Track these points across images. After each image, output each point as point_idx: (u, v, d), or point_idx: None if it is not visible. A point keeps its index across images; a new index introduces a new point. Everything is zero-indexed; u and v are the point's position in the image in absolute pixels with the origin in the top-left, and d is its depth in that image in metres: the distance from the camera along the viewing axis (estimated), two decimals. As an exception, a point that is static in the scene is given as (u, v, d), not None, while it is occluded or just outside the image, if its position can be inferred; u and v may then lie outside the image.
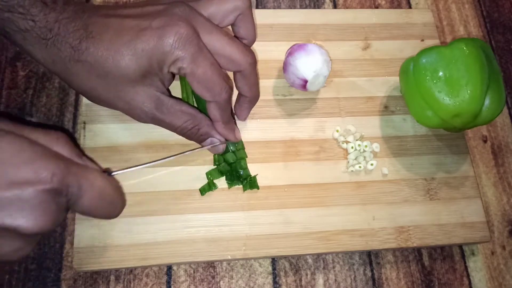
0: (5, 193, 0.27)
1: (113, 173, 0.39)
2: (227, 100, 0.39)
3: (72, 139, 0.33)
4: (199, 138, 0.42)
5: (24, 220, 0.28)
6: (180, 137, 0.44)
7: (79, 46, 0.35)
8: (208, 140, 0.42)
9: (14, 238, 0.29)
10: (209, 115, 0.41)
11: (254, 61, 0.40)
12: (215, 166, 0.44)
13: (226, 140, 0.42)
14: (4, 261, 0.30)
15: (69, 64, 0.36)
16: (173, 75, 0.39)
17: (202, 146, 0.42)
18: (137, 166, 0.40)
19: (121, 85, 0.37)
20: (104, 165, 0.42)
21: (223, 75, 0.38)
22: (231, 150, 0.43)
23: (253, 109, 0.47)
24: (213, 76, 0.37)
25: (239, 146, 0.44)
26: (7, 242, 0.28)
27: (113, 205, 0.35)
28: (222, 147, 0.43)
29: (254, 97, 0.44)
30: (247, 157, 0.44)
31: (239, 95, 0.43)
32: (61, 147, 0.32)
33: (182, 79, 0.45)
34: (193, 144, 0.43)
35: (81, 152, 0.35)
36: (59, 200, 0.30)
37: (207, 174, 0.43)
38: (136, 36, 0.35)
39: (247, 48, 0.40)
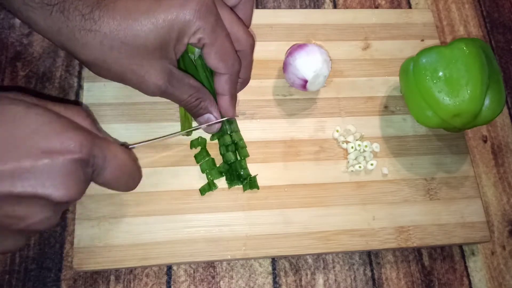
0: (37, 162, 0.28)
1: (130, 146, 0.40)
2: (238, 71, 0.40)
3: (90, 115, 0.33)
4: (198, 112, 0.42)
5: (55, 189, 0.28)
6: (181, 137, 0.44)
7: (91, 15, 0.33)
8: (206, 116, 0.42)
9: (45, 207, 0.29)
10: (218, 89, 0.41)
11: (254, 44, 0.41)
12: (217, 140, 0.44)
13: (226, 116, 0.43)
14: (34, 230, 0.30)
15: (78, 34, 0.34)
16: (186, 46, 0.38)
17: (199, 124, 0.43)
18: (152, 139, 0.41)
19: (136, 57, 0.35)
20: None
21: (234, 48, 0.39)
22: (228, 132, 0.44)
23: (253, 109, 0.47)
24: (229, 47, 0.38)
25: (235, 128, 0.44)
26: (39, 210, 0.29)
27: (132, 177, 0.36)
28: (217, 126, 0.43)
29: (246, 80, 0.44)
30: (248, 156, 0.44)
31: None
32: (82, 120, 0.33)
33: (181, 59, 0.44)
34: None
35: (99, 126, 0.35)
36: (86, 170, 0.30)
37: (207, 174, 0.43)
38: (157, 5, 0.34)
39: (249, 30, 0.41)
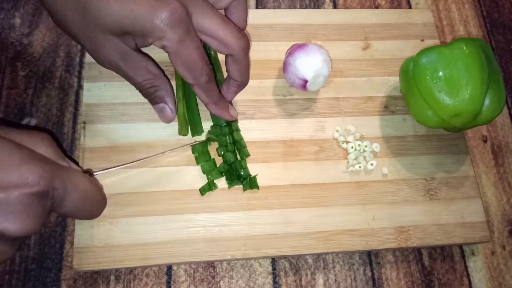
0: None
1: (94, 173, 0.39)
2: (208, 81, 0.39)
3: (55, 140, 0.33)
4: (154, 100, 0.42)
5: (10, 223, 0.28)
6: (181, 137, 0.44)
7: None
8: (160, 105, 0.42)
9: (0, 240, 0.28)
10: (198, 97, 0.41)
11: (246, 46, 0.39)
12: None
13: (223, 119, 0.43)
14: None
15: None
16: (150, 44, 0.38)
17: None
18: (117, 166, 0.40)
19: (94, 29, 0.36)
20: (104, 165, 0.42)
21: (205, 59, 0.38)
22: (228, 129, 0.44)
23: (253, 109, 0.47)
24: (196, 59, 0.37)
25: (235, 127, 0.44)
26: None
27: (95, 205, 0.36)
28: (171, 116, 0.43)
29: (244, 82, 0.43)
30: (249, 155, 0.44)
31: (229, 77, 0.43)
32: (45, 149, 0.32)
33: None
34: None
35: (63, 153, 0.34)
36: (45, 202, 0.29)
37: (207, 174, 0.43)
38: None
39: (241, 32, 0.39)
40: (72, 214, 0.33)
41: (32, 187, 0.28)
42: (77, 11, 0.35)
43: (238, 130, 0.45)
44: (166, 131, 0.44)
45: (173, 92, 0.43)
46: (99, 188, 0.36)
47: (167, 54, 0.37)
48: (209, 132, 0.45)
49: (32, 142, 0.31)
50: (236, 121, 0.45)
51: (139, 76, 0.39)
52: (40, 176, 0.29)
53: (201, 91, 0.40)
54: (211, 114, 0.45)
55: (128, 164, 0.41)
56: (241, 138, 0.44)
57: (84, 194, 0.33)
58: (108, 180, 0.42)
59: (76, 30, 0.37)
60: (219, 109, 0.42)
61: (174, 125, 0.45)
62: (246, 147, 0.44)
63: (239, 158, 0.44)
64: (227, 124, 0.44)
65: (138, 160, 0.41)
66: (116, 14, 0.34)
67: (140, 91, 0.41)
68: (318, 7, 0.56)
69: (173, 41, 0.35)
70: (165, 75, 0.42)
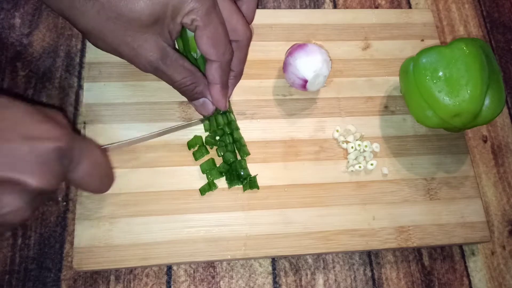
0: (16, 147, 0.28)
1: (103, 147, 0.40)
2: (229, 61, 0.41)
3: (66, 119, 0.34)
4: (193, 96, 0.42)
5: (31, 175, 0.29)
6: (181, 137, 0.44)
7: None
8: (201, 100, 0.43)
9: (19, 195, 0.29)
10: (209, 77, 0.41)
11: (251, 36, 0.42)
12: (207, 133, 0.45)
13: (217, 107, 0.43)
14: (6, 223, 0.30)
15: (77, 2, 0.35)
16: (181, 27, 0.39)
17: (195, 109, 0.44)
18: (126, 140, 0.42)
19: (131, 30, 0.36)
20: (104, 165, 0.42)
21: (228, 37, 0.39)
22: (222, 121, 0.44)
23: (253, 109, 0.47)
24: (222, 34, 0.38)
25: (235, 126, 0.45)
26: (12, 198, 0.29)
27: (106, 177, 0.37)
28: (212, 108, 0.43)
29: (239, 73, 0.45)
30: (249, 154, 0.44)
31: None
32: (60, 120, 0.33)
33: (181, 41, 0.45)
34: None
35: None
36: (63, 161, 0.31)
37: (207, 174, 0.43)
38: None
39: (247, 22, 0.42)
40: (83, 181, 0.34)
41: (54, 141, 0.30)
42: (110, 21, 0.36)
43: (237, 129, 0.45)
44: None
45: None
46: (109, 162, 0.37)
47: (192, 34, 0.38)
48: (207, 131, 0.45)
49: (48, 113, 0.33)
50: (234, 119, 0.45)
51: (178, 74, 0.40)
52: (61, 133, 0.30)
53: (220, 69, 0.41)
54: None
55: (135, 138, 0.42)
56: (241, 137, 0.45)
57: (97, 162, 0.35)
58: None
59: (114, 39, 0.37)
60: (222, 93, 0.42)
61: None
62: (246, 145, 0.44)
63: (239, 157, 0.44)
64: (227, 123, 0.44)
65: (147, 135, 0.42)
66: (148, 6, 0.35)
67: (179, 89, 0.42)
68: (318, 7, 0.56)
69: (201, 13, 0.37)
70: (200, 71, 0.42)
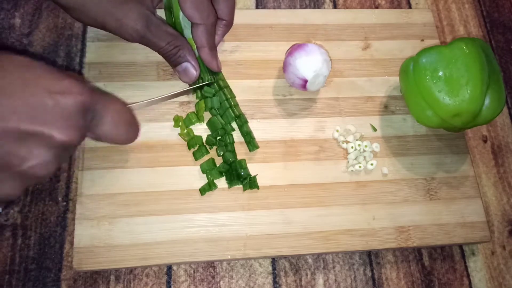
0: (43, 101, 0.29)
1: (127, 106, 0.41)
2: (214, 24, 0.42)
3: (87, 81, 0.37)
4: (176, 60, 0.43)
5: (57, 129, 0.29)
6: (181, 137, 0.44)
7: None
8: (184, 64, 0.44)
9: (46, 148, 0.30)
10: (196, 41, 0.43)
11: None
12: (198, 100, 0.45)
13: (209, 69, 0.45)
14: (33, 176, 0.30)
15: None
16: None
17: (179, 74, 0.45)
18: (148, 100, 0.43)
19: (114, 2, 0.38)
20: (104, 165, 0.42)
21: (211, 1, 0.41)
22: (213, 83, 0.45)
23: (253, 109, 0.47)
24: None
25: (221, 78, 0.46)
26: (40, 151, 0.30)
27: (131, 128, 0.37)
28: (195, 73, 0.44)
29: (230, 21, 0.46)
30: (258, 147, 0.45)
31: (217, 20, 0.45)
32: (79, 79, 0.34)
33: (169, 9, 0.46)
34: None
35: None
36: (87, 116, 0.32)
37: (207, 174, 0.43)
38: None
39: None
40: (109, 134, 0.35)
41: (77, 96, 0.30)
42: None
43: (246, 122, 0.45)
44: (166, 131, 0.44)
45: (193, 51, 0.44)
46: (132, 112, 0.38)
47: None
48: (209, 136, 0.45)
49: (66, 72, 0.33)
50: (243, 114, 0.45)
51: (162, 40, 0.41)
52: (83, 88, 0.31)
53: (205, 32, 0.42)
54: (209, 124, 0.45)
55: (158, 98, 0.43)
56: (250, 131, 0.45)
57: (120, 114, 0.35)
58: (108, 180, 0.42)
59: (98, 13, 0.39)
60: (211, 55, 0.44)
61: (174, 125, 0.45)
62: (255, 138, 0.45)
63: (238, 158, 0.44)
64: (237, 116, 0.45)
65: (165, 95, 0.44)
66: None
67: (163, 55, 0.43)
68: (318, 7, 0.56)
69: None
70: (183, 36, 0.44)
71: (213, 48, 0.44)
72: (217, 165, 0.44)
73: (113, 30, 0.40)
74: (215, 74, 0.46)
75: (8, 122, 0.28)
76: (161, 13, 0.47)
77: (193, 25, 0.42)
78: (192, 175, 0.43)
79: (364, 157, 0.46)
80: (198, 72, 0.44)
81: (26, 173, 0.30)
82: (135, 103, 0.42)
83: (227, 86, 0.46)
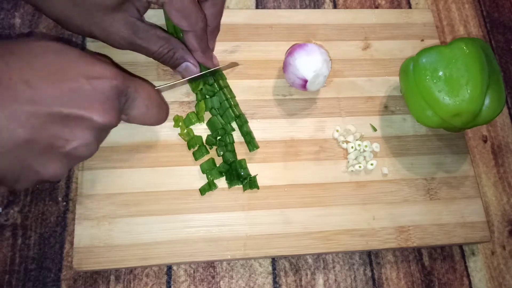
0: (82, 86, 0.31)
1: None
2: (203, 28, 0.42)
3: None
4: (175, 63, 0.44)
5: (97, 112, 0.31)
6: (181, 137, 0.44)
7: None
8: (183, 65, 0.44)
9: (87, 130, 0.32)
10: (188, 46, 0.43)
11: None
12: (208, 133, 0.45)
13: (206, 67, 0.45)
14: (77, 156, 0.32)
15: None
16: (148, 4, 0.41)
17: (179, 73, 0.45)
18: (172, 82, 0.44)
19: (98, 12, 0.38)
20: (104, 165, 0.42)
21: (198, 5, 0.40)
22: (211, 80, 0.45)
23: (253, 109, 0.47)
24: (189, 5, 0.39)
25: (222, 78, 0.46)
26: (82, 133, 0.32)
27: (161, 109, 0.39)
28: (196, 70, 0.44)
29: (216, 27, 0.45)
30: (258, 147, 0.45)
31: None
32: (110, 63, 0.35)
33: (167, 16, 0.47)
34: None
35: None
36: (121, 99, 0.34)
37: (207, 174, 0.43)
38: None
39: None
40: (142, 116, 0.37)
41: (111, 80, 0.32)
42: (77, 6, 0.38)
43: (246, 122, 0.45)
44: (166, 131, 0.44)
45: (187, 48, 0.44)
46: (161, 94, 0.39)
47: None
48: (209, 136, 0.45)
49: (97, 56, 0.34)
50: (243, 114, 0.45)
51: (153, 44, 0.41)
52: (115, 73, 0.33)
53: (195, 37, 0.42)
54: (209, 123, 0.45)
55: (178, 82, 0.44)
56: (250, 131, 0.45)
57: (151, 96, 0.37)
58: (108, 180, 0.42)
59: (84, 22, 0.39)
60: (205, 57, 0.44)
61: (174, 125, 0.45)
62: (255, 138, 0.45)
63: (239, 158, 0.44)
64: (238, 116, 0.45)
65: (186, 78, 0.44)
66: None
67: (159, 59, 0.43)
68: (318, 7, 0.56)
69: None
70: (175, 37, 0.44)
71: (206, 51, 0.44)
72: (217, 165, 0.44)
73: (102, 39, 0.41)
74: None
75: (52, 107, 0.30)
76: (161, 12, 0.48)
77: (183, 31, 0.42)
78: (192, 175, 0.43)
79: (364, 157, 0.46)
80: (198, 68, 0.44)
81: (70, 153, 0.32)
82: (162, 85, 0.43)
83: (227, 86, 0.46)
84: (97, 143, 0.33)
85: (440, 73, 0.42)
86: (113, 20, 0.39)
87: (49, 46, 0.31)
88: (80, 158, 0.33)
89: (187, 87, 0.46)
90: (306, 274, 0.44)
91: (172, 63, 0.43)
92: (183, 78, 0.45)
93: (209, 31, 0.44)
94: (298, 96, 0.48)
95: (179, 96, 0.46)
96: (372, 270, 0.45)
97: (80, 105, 0.31)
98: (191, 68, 0.44)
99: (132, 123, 0.38)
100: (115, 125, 0.34)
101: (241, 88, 0.47)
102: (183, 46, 0.43)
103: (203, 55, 0.44)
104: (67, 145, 0.31)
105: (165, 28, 0.47)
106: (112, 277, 0.42)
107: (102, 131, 0.34)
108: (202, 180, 0.43)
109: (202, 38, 0.42)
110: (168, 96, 0.46)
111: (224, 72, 0.47)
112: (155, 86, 0.41)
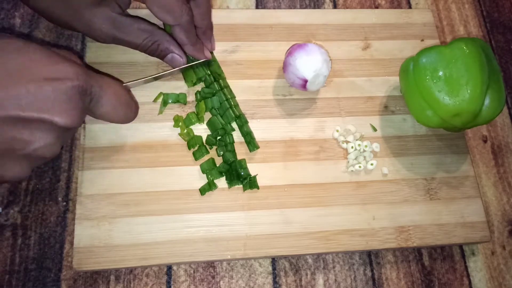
0: (41, 87, 0.30)
1: (124, 84, 0.41)
2: (189, 21, 0.41)
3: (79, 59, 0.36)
4: (161, 54, 0.44)
5: (58, 114, 0.30)
6: (181, 137, 0.44)
7: None
8: (169, 56, 0.44)
9: (49, 132, 0.31)
10: (177, 40, 0.43)
11: None
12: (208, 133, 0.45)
13: (198, 59, 0.45)
14: (39, 157, 0.31)
15: None
16: (130, 2, 0.41)
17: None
18: (143, 78, 0.43)
19: (80, 8, 0.39)
20: (105, 165, 0.42)
21: None
22: (205, 71, 0.46)
23: (253, 109, 0.47)
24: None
25: (244, 119, 0.45)
26: (43, 135, 0.30)
27: (129, 107, 0.38)
28: (182, 60, 0.44)
29: (207, 27, 0.45)
30: (259, 147, 0.45)
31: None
32: (75, 60, 0.35)
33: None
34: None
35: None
36: (84, 99, 0.33)
37: (207, 174, 0.43)
38: None
39: None
40: (109, 114, 0.36)
41: (73, 80, 0.31)
42: (59, 1, 0.38)
43: (246, 122, 0.45)
44: (166, 131, 0.44)
45: (174, 39, 0.44)
46: (130, 92, 0.38)
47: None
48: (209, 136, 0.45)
49: (61, 53, 0.34)
50: (243, 115, 0.46)
51: (136, 38, 0.42)
52: (78, 72, 0.32)
53: (183, 31, 0.42)
54: (209, 123, 0.45)
55: (152, 76, 0.44)
56: (251, 131, 0.45)
57: (118, 94, 0.36)
58: (108, 180, 0.42)
59: (67, 18, 0.40)
60: (196, 50, 0.44)
61: (174, 125, 0.45)
62: (255, 139, 0.45)
63: (239, 158, 0.44)
64: (238, 116, 0.45)
65: (159, 73, 0.44)
66: None
67: (145, 52, 0.43)
68: (318, 7, 0.56)
69: None
70: (159, 28, 0.43)
71: (195, 43, 0.44)
72: (217, 165, 0.44)
73: (85, 34, 0.41)
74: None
75: (9, 111, 0.28)
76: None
77: (171, 26, 0.42)
78: (192, 175, 0.43)
79: (364, 157, 0.46)
80: (184, 58, 0.44)
81: (31, 155, 0.31)
82: (131, 81, 0.42)
83: (227, 86, 0.46)
84: (59, 143, 0.32)
85: (440, 73, 0.42)
86: (94, 16, 0.39)
87: (9, 44, 0.30)
88: (42, 159, 0.32)
89: (185, 87, 0.46)
90: (306, 274, 0.44)
91: (158, 55, 0.44)
92: (173, 67, 0.45)
93: (201, 32, 0.45)
94: (298, 96, 0.48)
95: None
96: (372, 270, 0.45)
97: (39, 108, 0.29)
98: (177, 58, 0.44)
99: (101, 120, 0.37)
100: (79, 126, 0.33)
101: (241, 88, 0.47)
102: (168, 37, 0.43)
103: (193, 48, 0.44)
104: (27, 147, 0.30)
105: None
106: (112, 277, 0.42)
107: (65, 131, 0.32)
108: (202, 180, 0.43)
109: (189, 31, 0.42)
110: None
111: (224, 72, 0.47)
112: (123, 83, 0.41)
